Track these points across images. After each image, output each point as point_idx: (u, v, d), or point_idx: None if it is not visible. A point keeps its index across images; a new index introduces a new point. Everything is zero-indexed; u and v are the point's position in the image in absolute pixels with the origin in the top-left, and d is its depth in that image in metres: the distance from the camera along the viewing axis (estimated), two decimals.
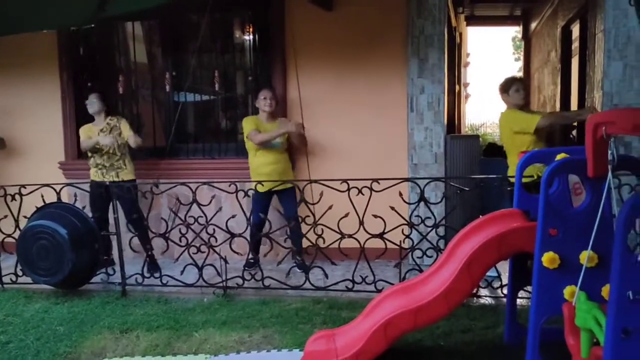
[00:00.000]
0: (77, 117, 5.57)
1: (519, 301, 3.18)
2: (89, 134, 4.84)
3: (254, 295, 4.13)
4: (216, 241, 4.16)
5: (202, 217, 4.14)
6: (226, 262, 4.13)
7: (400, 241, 3.85)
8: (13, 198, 4.39)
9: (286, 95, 5.10)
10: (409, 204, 4.06)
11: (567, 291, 2.42)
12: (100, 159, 4.83)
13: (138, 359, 3.18)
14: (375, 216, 3.79)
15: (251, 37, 5.41)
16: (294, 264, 4.49)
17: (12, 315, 3.88)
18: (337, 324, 3.36)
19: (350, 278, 3.94)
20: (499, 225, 2.77)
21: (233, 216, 4.21)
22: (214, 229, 4.14)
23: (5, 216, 4.43)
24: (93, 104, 4.86)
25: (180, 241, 4.19)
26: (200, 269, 4.17)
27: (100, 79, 5.68)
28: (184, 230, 4.17)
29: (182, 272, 4.22)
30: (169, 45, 5.61)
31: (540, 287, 2.48)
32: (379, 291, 3.69)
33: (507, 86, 4.28)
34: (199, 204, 4.14)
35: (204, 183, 4.25)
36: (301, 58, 4.94)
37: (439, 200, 4.11)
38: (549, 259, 2.44)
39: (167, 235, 4.24)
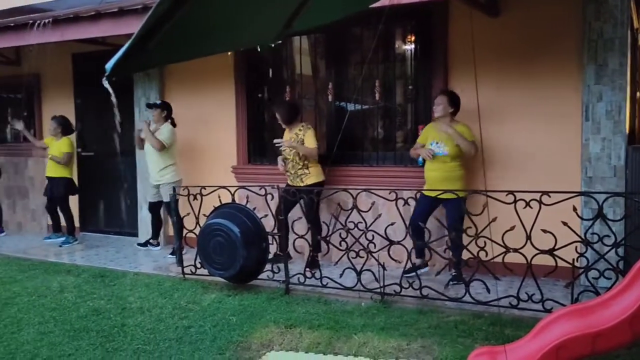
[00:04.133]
0: (249, 125, 6.05)
1: None
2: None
3: (411, 303, 4.12)
4: (374, 247, 4.24)
5: (361, 222, 4.24)
6: (384, 268, 4.19)
7: (573, 259, 3.57)
8: (195, 197, 4.88)
9: None
10: (583, 219, 3.76)
11: None
12: (289, 166, 5.26)
13: (302, 354, 3.36)
14: (545, 231, 3.57)
15: (413, 46, 5.43)
16: (453, 276, 4.40)
17: (192, 303, 4.32)
18: (500, 341, 3.23)
19: (515, 294, 3.75)
20: None
21: (392, 223, 4.24)
22: (372, 235, 4.22)
23: (188, 214, 4.94)
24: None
25: (340, 245, 4.33)
26: (358, 273, 4.27)
27: (270, 89, 6.11)
28: (343, 235, 4.31)
29: (341, 275, 4.35)
30: (331, 57, 5.85)
31: None
32: (547, 311, 3.47)
33: None
34: (359, 210, 4.26)
35: (364, 190, 4.35)
36: (465, 66, 4.83)
37: (618, 218, 3.74)
38: None
39: (328, 238, 4.41)
